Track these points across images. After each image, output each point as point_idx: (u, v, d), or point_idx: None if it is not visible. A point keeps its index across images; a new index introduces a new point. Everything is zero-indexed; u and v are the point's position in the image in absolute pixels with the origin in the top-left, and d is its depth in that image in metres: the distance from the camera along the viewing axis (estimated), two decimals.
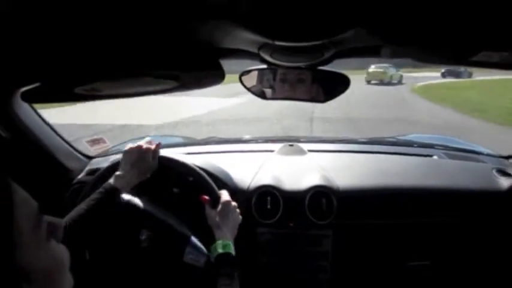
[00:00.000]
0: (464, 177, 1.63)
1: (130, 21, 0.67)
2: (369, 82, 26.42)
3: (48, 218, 0.55)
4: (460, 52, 0.73)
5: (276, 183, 1.52)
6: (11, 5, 0.55)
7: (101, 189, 1.12)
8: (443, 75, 31.60)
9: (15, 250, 0.46)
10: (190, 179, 1.32)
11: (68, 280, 0.57)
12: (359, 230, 1.53)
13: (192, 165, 1.31)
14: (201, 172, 1.30)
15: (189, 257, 1.17)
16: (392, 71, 27.10)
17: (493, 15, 0.62)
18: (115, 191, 1.13)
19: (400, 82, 27.29)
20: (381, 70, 26.65)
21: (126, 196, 1.23)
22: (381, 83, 26.08)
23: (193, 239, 1.19)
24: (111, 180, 1.14)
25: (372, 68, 27.19)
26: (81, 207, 1.10)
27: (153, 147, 1.23)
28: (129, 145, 1.21)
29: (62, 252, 0.57)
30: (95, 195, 1.11)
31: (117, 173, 1.16)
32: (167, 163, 1.31)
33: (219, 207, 1.19)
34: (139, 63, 0.87)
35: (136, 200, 1.23)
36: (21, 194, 0.50)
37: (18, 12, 0.57)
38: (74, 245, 0.91)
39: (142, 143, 1.22)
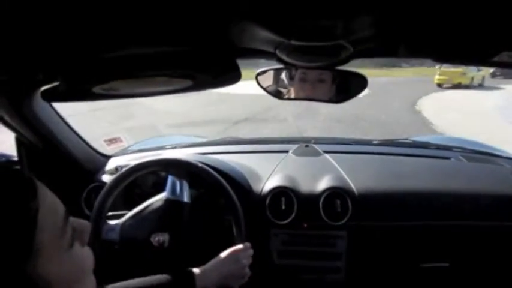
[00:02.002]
0: (482, 180, 1.61)
1: (148, 21, 0.68)
2: (440, 86, 19.10)
3: (74, 222, 0.53)
4: (481, 52, 0.72)
5: (290, 184, 1.52)
6: (30, 4, 0.56)
7: (179, 274, 1.05)
8: (493, 75, 22.99)
9: (36, 260, 0.45)
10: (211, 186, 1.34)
11: (90, 283, 0.56)
12: (374, 232, 1.52)
13: (224, 183, 1.32)
14: (226, 185, 1.31)
15: None
16: (473, 70, 19.37)
17: None
18: (192, 283, 1.03)
19: (482, 85, 19.74)
20: (460, 70, 18.82)
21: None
22: (457, 86, 18.62)
23: None
24: (196, 271, 1.06)
25: (446, 67, 18.64)
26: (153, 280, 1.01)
27: (248, 262, 1.16)
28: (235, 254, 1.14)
29: (85, 256, 0.55)
30: (170, 276, 1.03)
31: (205, 268, 1.09)
32: (190, 168, 1.33)
33: None
34: (155, 62, 0.88)
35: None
36: (48, 200, 0.48)
37: (38, 11, 0.58)
38: None
39: (245, 257, 1.15)
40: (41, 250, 0.45)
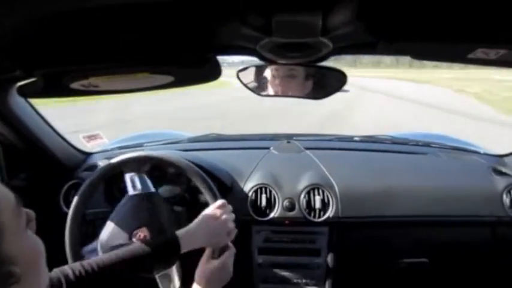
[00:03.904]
0: (460, 176, 1.64)
1: (127, 16, 0.67)
2: None
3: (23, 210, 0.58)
4: (457, 49, 0.74)
5: (272, 181, 1.53)
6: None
7: (164, 239, 1.03)
8: None
9: (2, 239, 0.51)
10: (193, 183, 1.33)
11: (45, 270, 0.61)
12: (355, 228, 1.54)
13: (198, 170, 1.31)
14: (207, 179, 1.31)
15: None
16: None
17: (490, 13, 0.62)
18: (177, 247, 1.01)
19: None
20: None
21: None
22: None
23: None
24: (179, 233, 1.03)
25: None
26: (140, 248, 0.99)
27: (230, 217, 1.12)
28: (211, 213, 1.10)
29: (37, 240, 0.60)
30: (154, 242, 1.02)
31: (189, 229, 1.05)
32: (171, 165, 1.32)
33: (221, 260, 1.05)
34: (135, 58, 0.87)
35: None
36: None
37: (13, 5, 0.57)
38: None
39: (225, 213, 1.11)
40: (4, 230, 0.51)
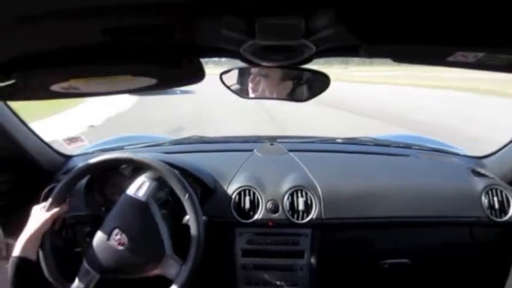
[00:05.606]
0: (440, 177, 1.67)
1: (108, 18, 0.66)
2: None
3: None
4: (437, 52, 0.75)
5: (255, 183, 1.53)
6: None
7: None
8: None
9: None
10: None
11: None
12: (338, 229, 1.55)
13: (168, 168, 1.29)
14: (184, 181, 1.29)
15: None
16: None
17: (468, 17, 0.63)
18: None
19: None
20: None
21: None
22: None
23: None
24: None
25: None
26: None
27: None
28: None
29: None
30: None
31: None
32: (147, 167, 1.30)
33: None
34: (116, 60, 0.86)
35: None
36: None
37: None
38: None
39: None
40: None
